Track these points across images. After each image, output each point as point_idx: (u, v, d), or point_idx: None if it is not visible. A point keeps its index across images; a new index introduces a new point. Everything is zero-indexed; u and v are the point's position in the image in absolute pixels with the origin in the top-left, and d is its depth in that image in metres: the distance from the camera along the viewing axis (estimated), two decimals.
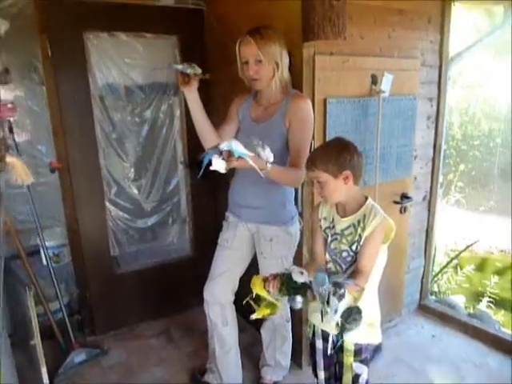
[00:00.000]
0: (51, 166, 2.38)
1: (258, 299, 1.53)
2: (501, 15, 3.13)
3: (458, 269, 3.59)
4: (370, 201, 1.54)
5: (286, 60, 1.78)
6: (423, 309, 2.93)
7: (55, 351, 2.42)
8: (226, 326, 2.09)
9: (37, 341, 2.01)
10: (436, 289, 3.24)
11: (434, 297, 3.08)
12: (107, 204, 2.65)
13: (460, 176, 4.65)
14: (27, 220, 2.42)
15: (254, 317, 1.53)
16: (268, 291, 1.45)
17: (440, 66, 2.57)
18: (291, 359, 2.29)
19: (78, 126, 2.43)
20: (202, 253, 2.19)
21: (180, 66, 1.71)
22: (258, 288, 1.49)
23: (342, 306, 1.31)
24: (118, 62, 2.53)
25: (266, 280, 1.46)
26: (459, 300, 3.18)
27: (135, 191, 2.77)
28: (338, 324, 1.38)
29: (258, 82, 1.79)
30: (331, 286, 1.32)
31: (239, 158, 1.52)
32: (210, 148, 1.61)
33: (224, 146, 1.49)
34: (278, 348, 2.20)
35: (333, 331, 1.50)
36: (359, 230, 1.50)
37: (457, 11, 2.58)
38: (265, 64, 1.73)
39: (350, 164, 1.47)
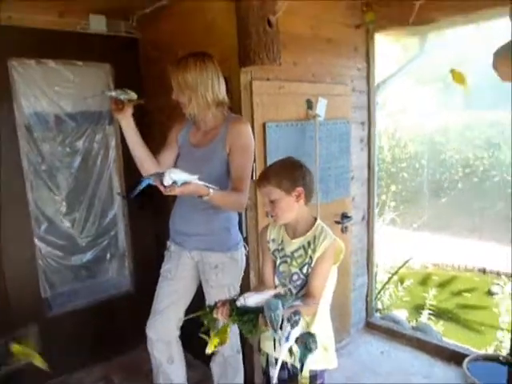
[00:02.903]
0: None
1: (207, 332, 1.45)
2: (415, 49, 3.46)
3: (399, 284, 3.73)
4: (319, 222, 1.54)
5: (217, 85, 1.77)
6: (370, 326, 2.98)
7: None
8: (172, 364, 1.97)
9: None
10: (380, 305, 3.33)
11: (378, 313, 3.15)
12: (36, 241, 2.43)
13: (392, 196, 4.91)
14: None
15: (209, 351, 1.44)
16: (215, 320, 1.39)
17: (368, 92, 2.74)
18: None
19: (1, 158, 2.23)
20: (144, 287, 2.08)
21: (113, 93, 1.68)
22: (207, 318, 1.42)
23: (295, 332, 1.27)
24: (47, 90, 2.39)
25: (214, 307, 1.40)
26: (402, 314, 3.29)
27: (68, 226, 2.58)
28: (290, 351, 1.33)
29: (183, 108, 1.79)
30: (286, 311, 1.28)
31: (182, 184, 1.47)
32: (149, 175, 1.55)
33: (168, 180, 1.44)
34: (229, 382, 2.10)
35: (283, 358, 1.42)
36: (310, 252, 1.48)
37: (379, 43, 2.79)
38: (178, 91, 1.75)
39: (303, 181, 1.48)
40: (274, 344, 1.30)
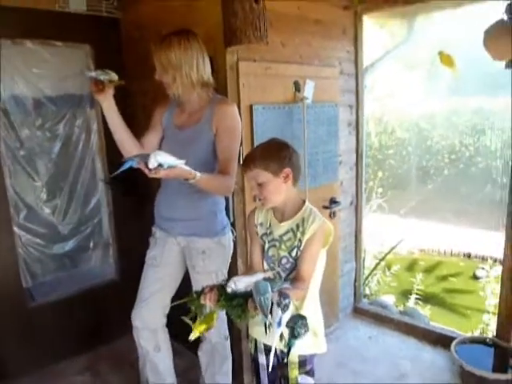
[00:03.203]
0: None
1: (194, 318, 1.41)
2: (403, 34, 3.45)
3: (386, 270, 3.74)
4: (308, 204, 1.51)
5: (201, 64, 1.70)
6: (358, 311, 2.98)
7: None
8: (158, 353, 1.93)
9: None
10: (368, 291, 3.33)
11: (366, 299, 3.16)
12: (16, 229, 2.35)
13: (379, 183, 4.91)
14: None
15: (192, 337, 1.40)
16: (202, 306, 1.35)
17: (356, 75, 2.70)
18: (232, 378, 2.16)
19: None
20: (129, 275, 2.03)
21: (93, 73, 1.62)
22: (194, 304, 1.38)
23: (286, 316, 1.23)
24: (24, 72, 2.29)
25: (201, 293, 1.36)
26: (390, 299, 3.30)
27: (49, 213, 2.50)
28: (281, 337, 1.30)
29: (167, 88, 1.73)
30: (275, 295, 1.24)
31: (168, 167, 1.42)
32: (133, 156, 1.48)
33: (153, 162, 1.37)
34: (217, 369, 2.07)
35: (276, 345, 1.37)
36: (299, 235, 1.45)
37: (367, 27, 2.74)
38: (162, 71, 1.69)
39: (290, 162, 1.44)
40: (266, 329, 1.26)
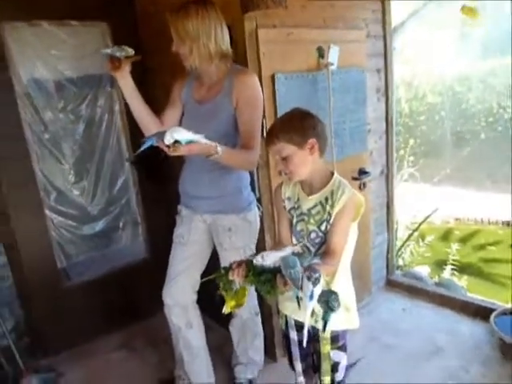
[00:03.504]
0: None
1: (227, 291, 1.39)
2: None
3: (420, 241, 3.63)
4: (336, 176, 1.44)
5: (220, 34, 1.62)
6: (391, 284, 2.91)
7: (4, 382, 2.17)
8: (190, 329, 1.94)
9: None
10: (401, 262, 3.25)
11: (399, 271, 3.08)
12: (47, 212, 2.40)
13: (410, 151, 4.73)
14: None
15: (225, 311, 1.39)
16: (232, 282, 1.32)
17: (384, 37, 2.53)
18: (264, 353, 2.17)
19: (3, 129, 2.16)
20: (159, 254, 2.05)
21: (109, 50, 1.58)
22: (222, 280, 1.35)
23: (318, 291, 1.18)
24: (43, 54, 2.28)
25: (229, 269, 1.33)
26: (424, 271, 3.21)
27: (78, 195, 2.53)
28: (313, 312, 1.26)
29: (184, 60, 1.66)
30: (304, 269, 1.20)
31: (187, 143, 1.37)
32: (152, 134, 1.45)
33: (169, 139, 1.33)
34: (249, 344, 2.08)
35: (307, 320, 1.31)
36: (328, 208, 1.39)
37: None
38: (178, 42, 1.62)
39: (315, 132, 1.37)
40: (298, 302, 1.22)
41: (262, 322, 2.09)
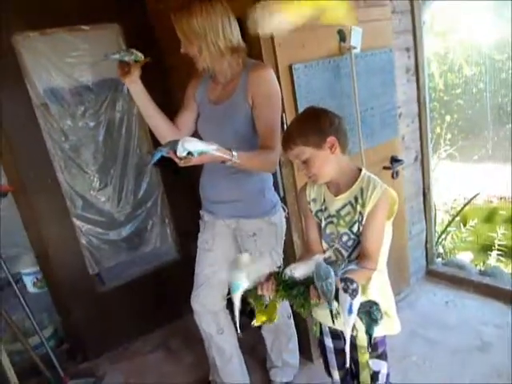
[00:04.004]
0: (1, 190, 2.13)
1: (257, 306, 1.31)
2: None
3: (461, 225, 3.41)
4: (365, 172, 1.33)
5: (228, 28, 1.51)
6: (432, 274, 2.76)
7: None
8: (222, 335, 1.90)
9: None
10: (441, 250, 3.06)
11: (440, 259, 2.91)
12: (74, 220, 2.41)
13: (447, 128, 4.44)
14: None
15: (255, 324, 1.32)
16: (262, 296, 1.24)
17: (412, 11, 2.33)
18: (300, 354, 2.11)
19: (24, 141, 2.18)
20: (190, 253, 2.02)
21: (117, 55, 1.51)
22: (251, 295, 1.27)
23: (356, 303, 1.09)
24: (57, 62, 2.24)
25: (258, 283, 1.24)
26: (467, 258, 3.02)
27: (104, 201, 2.52)
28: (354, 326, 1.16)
29: (195, 61, 1.57)
30: (339, 280, 1.11)
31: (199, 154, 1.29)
32: (164, 144, 1.38)
33: (182, 151, 1.26)
34: (283, 347, 2.02)
35: (348, 337, 1.19)
36: (359, 208, 1.29)
37: None
38: (186, 43, 1.53)
39: (332, 128, 1.27)
40: (332, 317, 1.13)
41: (296, 323, 2.02)
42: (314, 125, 1.26)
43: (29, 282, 2.83)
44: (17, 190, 2.23)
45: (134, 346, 2.63)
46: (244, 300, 1.31)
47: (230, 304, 1.81)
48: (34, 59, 2.17)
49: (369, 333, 1.14)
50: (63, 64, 2.25)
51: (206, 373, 2.12)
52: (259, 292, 1.24)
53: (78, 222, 2.42)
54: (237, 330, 1.30)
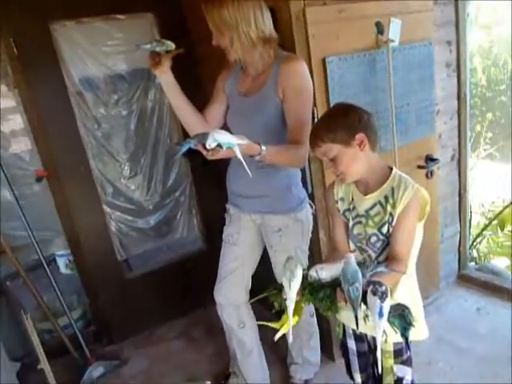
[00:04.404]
0: (36, 175, 2.20)
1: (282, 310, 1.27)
2: None
3: (498, 230, 3.25)
4: (396, 171, 1.28)
5: (260, 18, 1.48)
6: (464, 279, 2.65)
7: (72, 368, 2.30)
8: (243, 328, 1.90)
9: (44, 365, 1.88)
10: (475, 254, 2.94)
11: (474, 263, 2.79)
12: (105, 207, 2.46)
13: (488, 126, 4.24)
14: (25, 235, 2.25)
15: (277, 336, 1.29)
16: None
17: (456, 2, 2.21)
18: (322, 353, 2.08)
19: (59, 128, 2.23)
20: (215, 244, 2.04)
21: (148, 46, 1.50)
22: (276, 298, 1.25)
23: (387, 306, 1.05)
24: (92, 51, 2.28)
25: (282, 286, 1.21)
26: (503, 264, 2.88)
27: (133, 189, 2.56)
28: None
29: (227, 53, 1.54)
30: (367, 282, 1.08)
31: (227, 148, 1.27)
32: (193, 136, 1.36)
33: (211, 143, 1.24)
34: (304, 344, 2.00)
35: (379, 342, 1.15)
36: (389, 208, 1.24)
37: None
38: (218, 34, 1.50)
39: (362, 125, 1.22)
40: (357, 322, 1.10)
41: (319, 321, 1.99)
42: (342, 121, 1.22)
43: (61, 263, 2.93)
44: (51, 176, 2.29)
45: (158, 332, 2.67)
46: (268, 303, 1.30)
47: (256, 291, 1.83)
48: (70, 48, 2.21)
49: (405, 336, 1.13)
50: (98, 53, 2.28)
51: (226, 364, 2.14)
52: (284, 296, 1.20)
53: (108, 209, 2.48)
54: None
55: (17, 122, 2.37)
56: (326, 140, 1.22)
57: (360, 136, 1.21)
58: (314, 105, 1.66)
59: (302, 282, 1.19)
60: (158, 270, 2.69)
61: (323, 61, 1.76)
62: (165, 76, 1.54)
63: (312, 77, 1.63)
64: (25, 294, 2.26)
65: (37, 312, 2.38)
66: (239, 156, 1.28)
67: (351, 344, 1.47)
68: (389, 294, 1.06)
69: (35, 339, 1.86)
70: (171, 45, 1.50)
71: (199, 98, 1.73)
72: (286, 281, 1.15)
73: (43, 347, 1.91)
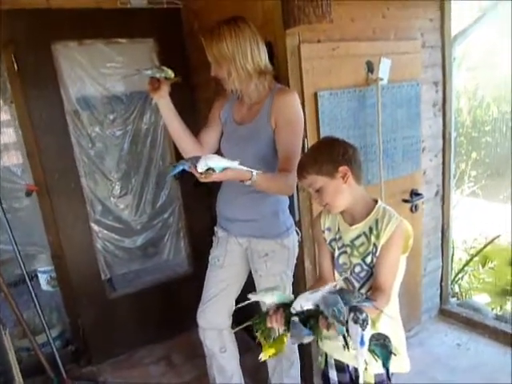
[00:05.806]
0: (27, 189, 2.20)
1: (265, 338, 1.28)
2: None
3: (480, 266, 3.30)
4: (380, 203, 1.33)
5: (256, 51, 1.55)
6: (445, 314, 2.67)
7: None
8: (224, 353, 1.89)
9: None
10: (457, 289, 2.97)
11: (455, 299, 2.82)
12: (93, 225, 2.46)
13: (473, 165, 4.36)
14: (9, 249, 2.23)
15: (263, 358, 1.28)
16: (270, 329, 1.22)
17: (443, 47, 2.33)
18: (301, 382, 2.06)
19: (53, 145, 2.26)
20: (202, 268, 2.04)
21: (149, 71, 1.56)
22: (260, 326, 1.26)
23: (367, 334, 1.07)
24: (92, 72, 2.34)
25: (266, 314, 1.22)
26: (483, 300, 2.91)
27: (122, 209, 2.57)
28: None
29: (224, 84, 1.62)
30: (349, 310, 1.09)
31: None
32: (186, 159, 1.40)
33: (203, 166, 1.28)
34: (285, 373, 1.98)
35: (361, 371, 1.16)
36: (373, 239, 1.28)
37: None
38: (216, 66, 1.58)
39: (345, 158, 1.27)
40: (346, 343, 1.09)
41: (300, 350, 1.98)
42: (327, 154, 1.27)
43: (43, 279, 2.90)
44: (41, 191, 2.29)
45: (138, 355, 2.62)
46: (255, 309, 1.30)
47: (239, 316, 1.83)
48: (71, 67, 2.27)
49: (386, 366, 1.13)
50: (98, 74, 2.34)
51: None
52: (268, 324, 1.22)
53: (95, 227, 2.48)
54: None
55: (10, 135, 2.40)
56: (312, 172, 1.26)
57: (343, 169, 1.25)
58: (305, 136, 1.72)
59: (285, 311, 1.19)
60: (141, 292, 2.66)
61: (315, 95, 1.83)
62: (163, 100, 1.59)
63: (304, 109, 1.70)
64: (4, 309, 2.21)
65: (15, 329, 2.34)
66: (238, 168, 1.32)
67: (333, 375, 1.47)
68: (370, 322, 1.07)
69: (12, 356, 1.81)
70: (170, 72, 1.57)
71: (195, 123, 1.79)
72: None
73: (19, 365, 1.87)
